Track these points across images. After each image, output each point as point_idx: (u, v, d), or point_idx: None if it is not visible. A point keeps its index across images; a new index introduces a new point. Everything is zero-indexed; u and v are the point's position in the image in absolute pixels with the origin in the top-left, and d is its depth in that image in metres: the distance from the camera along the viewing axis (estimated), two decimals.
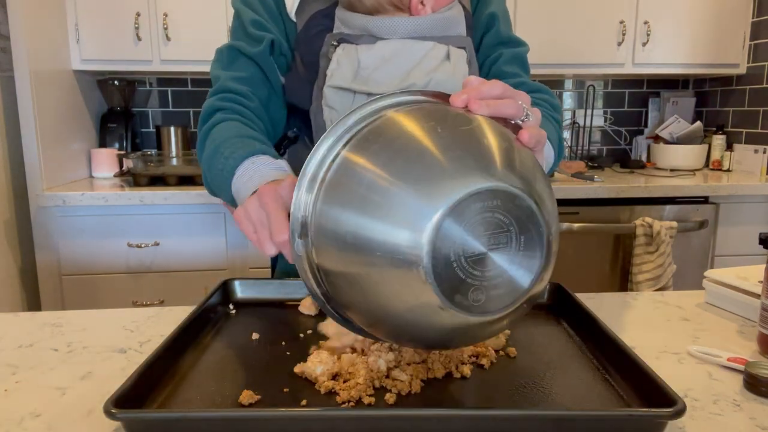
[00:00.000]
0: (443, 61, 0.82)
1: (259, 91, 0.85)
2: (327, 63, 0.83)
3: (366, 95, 0.80)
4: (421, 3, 0.81)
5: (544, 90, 0.91)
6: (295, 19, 0.86)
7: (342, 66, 0.81)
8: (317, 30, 0.84)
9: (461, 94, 0.54)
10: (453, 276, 0.46)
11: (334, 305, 0.57)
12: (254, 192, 0.63)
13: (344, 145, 0.53)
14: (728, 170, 2.62)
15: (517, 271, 0.48)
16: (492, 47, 0.90)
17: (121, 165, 2.35)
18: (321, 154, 0.53)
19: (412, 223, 0.45)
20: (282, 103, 0.89)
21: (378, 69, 0.80)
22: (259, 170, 0.68)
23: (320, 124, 0.84)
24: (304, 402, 0.57)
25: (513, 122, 0.56)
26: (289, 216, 0.55)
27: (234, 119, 0.79)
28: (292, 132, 0.91)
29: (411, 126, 0.51)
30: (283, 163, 0.70)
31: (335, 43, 0.82)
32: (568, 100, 2.91)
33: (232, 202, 0.73)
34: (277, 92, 0.87)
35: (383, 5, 0.80)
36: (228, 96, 0.82)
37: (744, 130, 2.61)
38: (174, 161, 2.33)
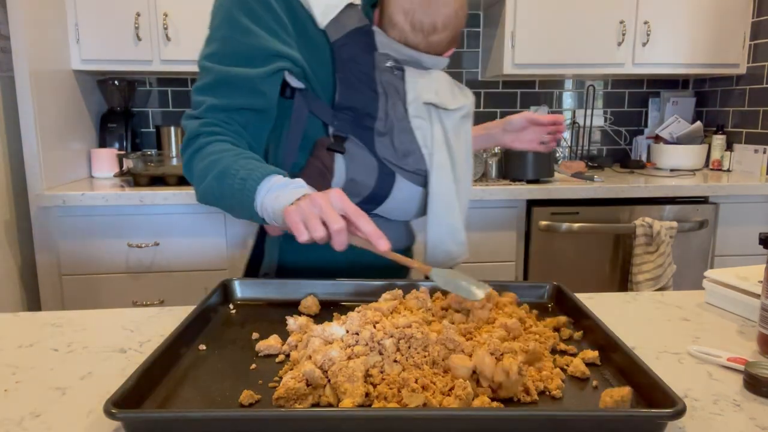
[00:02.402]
0: (458, 88, 1.06)
1: (241, 118, 0.90)
2: (391, 78, 0.96)
3: (443, 109, 0.99)
4: (449, 54, 1.03)
5: None
6: (324, 29, 0.92)
7: (420, 85, 0.98)
8: (362, 45, 0.95)
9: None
10: None
11: None
12: (298, 199, 0.74)
13: None
14: (728, 170, 2.62)
15: None
16: None
17: (121, 165, 2.35)
18: None
19: None
20: (267, 125, 0.94)
21: (439, 90, 1.00)
22: (283, 190, 0.77)
23: (390, 130, 0.96)
24: (310, 400, 0.57)
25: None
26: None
27: (218, 140, 0.87)
28: (339, 132, 0.95)
29: None
30: (299, 181, 0.79)
31: (393, 64, 0.96)
32: (568, 100, 2.91)
33: (248, 217, 0.82)
34: (267, 113, 0.92)
35: (431, 50, 0.98)
36: (210, 121, 0.89)
37: (744, 130, 2.61)
38: (174, 161, 2.33)
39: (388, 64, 0.96)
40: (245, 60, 0.88)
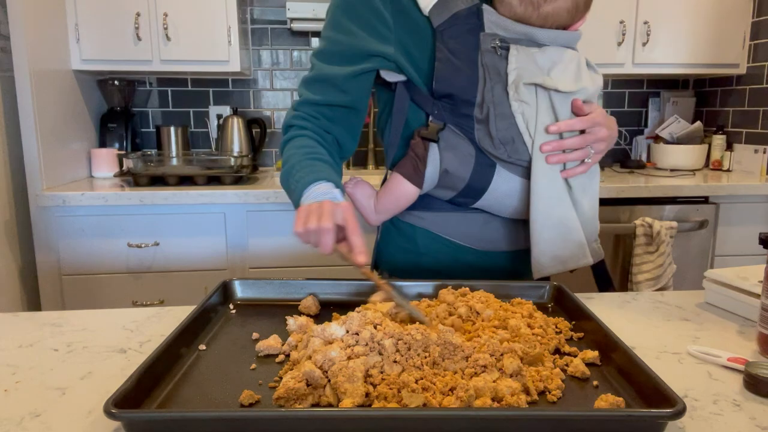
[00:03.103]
0: (587, 68, 0.95)
1: (330, 112, 0.96)
2: (493, 59, 0.89)
3: (554, 91, 0.89)
4: (577, 27, 0.95)
5: None
6: (428, 14, 0.91)
7: (525, 65, 0.89)
8: (468, 27, 0.90)
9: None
10: None
11: None
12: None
13: None
14: (728, 170, 2.62)
15: None
16: None
17: (121, 165, 2.35)
18: None
19: None
20: (358, 118, 0.99)
21: (552, 69, 0.89)
22: (315, 200, 0.83)
23: (487, 115, 0.90)
24: (310, 400, 0.57)
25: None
26: (335, 227, 0.76)
27: (304, 135, 0.95)
28: (435, 120, 0.94)
29: None
30: (336, 193, 0.84)
31: (498, 44, 0.89)
32: None
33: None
34: (355, 108, 0.96)
35: (547, 24, 0.91)
36: (302, 114, 0.97)
37: (744, 130, 2.61)
38: (174, 161, 2.33)
39: (492, 44, 0.89)
40: (341, 59, 0.93)
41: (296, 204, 0.86)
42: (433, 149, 0.93)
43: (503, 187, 0.93)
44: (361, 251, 0.76)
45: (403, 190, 0.96)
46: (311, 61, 0.98)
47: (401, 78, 0.95)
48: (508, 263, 1.02)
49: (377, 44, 0.91)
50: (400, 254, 1.04)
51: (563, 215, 0.92)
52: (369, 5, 0.91)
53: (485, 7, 0.91)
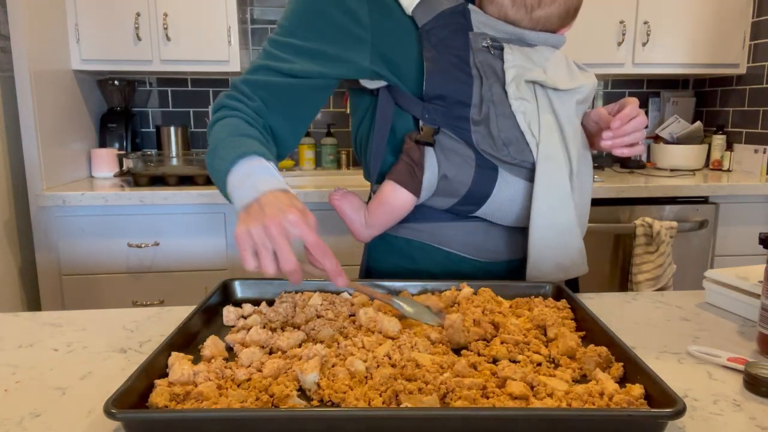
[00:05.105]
0: (577, 68, 0.94)
1: (263, 94, 0.88)
2: (487, 58, 0.87)
3: (553, 90, 0.88)
4: (565, 32, 0.95)
5: None
6: (411, 14, 0.87)
7: (523, 63, 0.88)
8: (455, 27, 0.88)
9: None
10: None
11: None
12: (256, 205, 0.68)
13: None
14: (728, 170, 2.62)
15: None
16: None
17: (121, 165, 2.35)
18: None
19: None
20: (306, 106, 0.91)
21: (547, 68, 0.89)
22: (251, 180, 0.73)
23: (487, 116, 0.87)
24: (314, 402, 0.57)
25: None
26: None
27: (234, 116, 0.86)
28: (428, 123, 0.89)
29: None
30: (269, 169, 0.74)
31: (490, 42, 0.88)
32: None
33: (228, 200, 0.78)
34: (307, 92, 0.89)
35: (537, 28, 0.91)
36: (232, 94, 0.89)
37: (744, 130, 2.61)
38: (174, 161, 2.33)
39: (485, 44, 0.87)
40: (307, 55, 0.87)
41: (223, 189, 0.78)
42: (430, 153, 0.88)
43: (506, 192, 0.89)
44: (338, 273, 0.67)
45: (399, 200, 0.90)
46: (265, 48, 0.89)
47: (381, 84, 0.90)
48: (508, 273, 0.98)
49: (350, 52, 0.86)
50: (387, 263, 0.99)
51: (567, 220, 0.89)
52: (341, 5, 0.85)
53: (471, 7, 0.89)
